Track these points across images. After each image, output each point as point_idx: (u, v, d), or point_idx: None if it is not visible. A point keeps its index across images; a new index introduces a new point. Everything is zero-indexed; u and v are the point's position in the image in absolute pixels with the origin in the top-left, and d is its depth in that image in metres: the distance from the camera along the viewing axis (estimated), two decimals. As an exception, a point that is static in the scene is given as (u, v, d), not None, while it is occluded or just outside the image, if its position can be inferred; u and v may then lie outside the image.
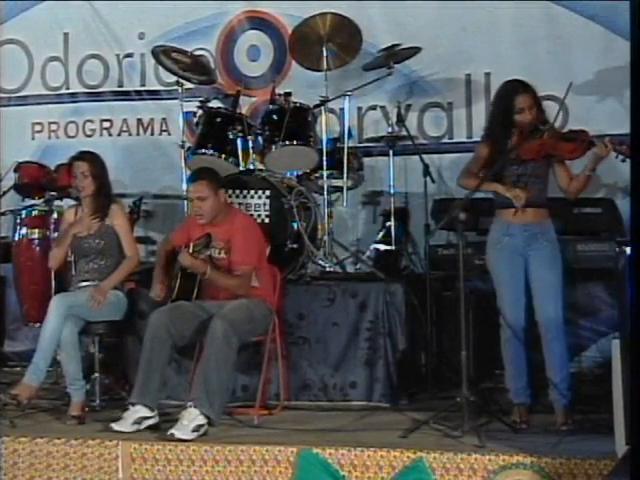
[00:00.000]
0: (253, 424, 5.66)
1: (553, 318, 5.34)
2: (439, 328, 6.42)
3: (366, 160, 7.27)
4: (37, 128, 8.57)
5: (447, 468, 4.76)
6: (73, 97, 8.53)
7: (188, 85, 7.40)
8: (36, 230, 7.39)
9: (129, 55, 8.39)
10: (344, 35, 6.94)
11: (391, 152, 7.08)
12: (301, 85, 7.39)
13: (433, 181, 6.90)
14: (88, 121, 8.45)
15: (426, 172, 6.81)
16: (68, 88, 8.55)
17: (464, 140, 7.44)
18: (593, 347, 6.46)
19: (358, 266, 7.01)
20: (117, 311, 6.10)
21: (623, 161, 5.11)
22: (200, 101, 6.98)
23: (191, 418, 5.32)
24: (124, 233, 6.20)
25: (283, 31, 7.90)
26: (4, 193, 7.36)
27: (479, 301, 6.14)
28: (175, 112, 7.47)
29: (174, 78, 7.36)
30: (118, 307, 6.10)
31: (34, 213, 7.42)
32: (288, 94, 6.84)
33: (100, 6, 8.36)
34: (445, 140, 7.59)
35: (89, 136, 8.43)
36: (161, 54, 7.29)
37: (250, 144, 6.83)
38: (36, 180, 7.40)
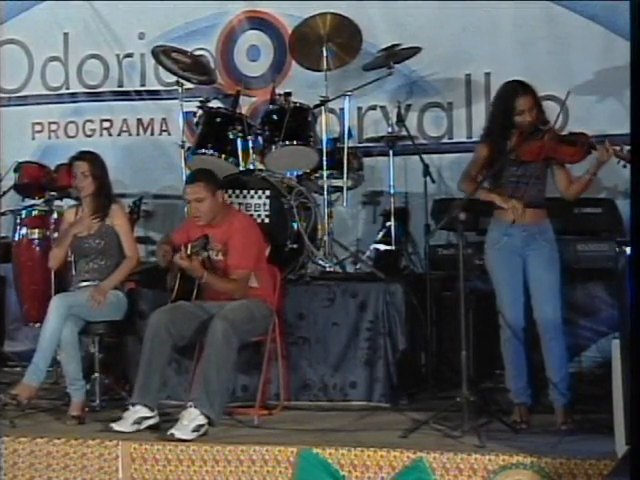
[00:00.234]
0: (253, 424, 5.66)
1: (551, 318, 5.34)
2: (439, 328, 6.42)
3: (366, 160, 7.27)
4: (37, 128, 8.57)
5: (447, 468, 4.76)
6: (73, 97, 8.53)
7: (188, 85, 7.40)
8: (36, 230, 7.40)
9: (129, 55, 8.39)
10: (344, 35, 6.94)
11: (391, 152, 7.08)
12: (301, 85, 7.39)
13: (433, 181, 6.91)
14: (88, 121, 8.45)
15: (426, 172, 6.81)
16: (68, 88, 8.55)
17: (464, 140, 7.44)
18: (593, 347, 6.46)
19: (358, 266, 7.01)
20: (117, 311, 6.10)
21: (624, 167, 5.11)
22: (200, 101, 6.98)
23: (191, 418, 5.32)
24: (124, 233, 6.20)
25: (283, 31, 7.90)
26: (4, 193, 7.36)
27: (479, 301, 6.14)
28: (175, 112, 7.47)
29: (174, 78, 7.36)
30: (118, 307, 6.11)
31: (34, 213, 7.43)
32: (288, 94, 6.84)
33: (100, 6, 8.36)
34: (445, 140, 7.59)
35: (89, 136, 8.43)
36: (161, 54, 7.29)
37: (250, 144, 6.83)
38: (36, 180, 7.40)
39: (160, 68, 7.79)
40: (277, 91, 7.00)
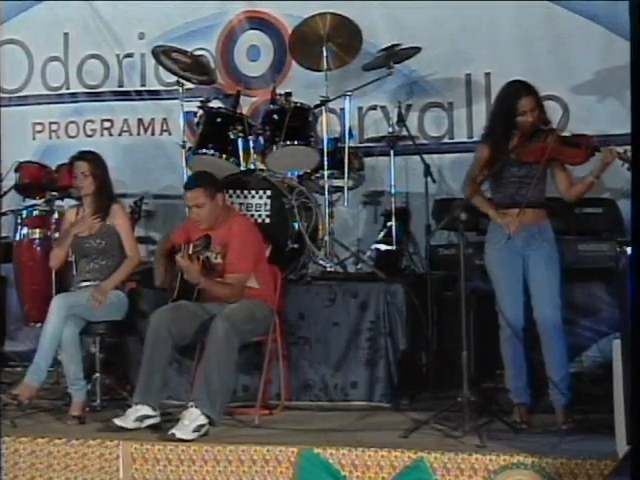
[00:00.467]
0: (254, 424, 5.66)
1: (551, 318, 5.34)
2: (440, 328, 6.41)
3: (367, 160, 7.27)
4: (38, 128, 8.57)
5: (448, 468, 4.76)
6: (73, 97, 8.53)
7: (188, 85, 7.40)
8: (37, 230, 7.41)
9: (129, 55, 8.39)
10: (344, 35, 6.94)
11: (392, 152, 7.07)
12: (301, 85, 7.39)
13: (434, 181, 6.90)
14: (89, 121, 8.45)
15: (427, 172, 6.81)
16: (68, 88, 8.55)
17: (465, 140, 7.44)
18: (594, 347, 6.47)
19: (359, 266, 7.01)
20: (118, 311, 6.11)
21: (628, 169, 5.11)
22: (201, 101, 6.98)
23: (192, 418, 5.32)
24: (125, 233, 6.20)
25: (283, 31, 7.89)
26: (5, 193, 7.35)
27: (480, 301, 6.14)
28: (176, 112, 7.46)
29: (174, 78, 7.36)
30: (119, 307, 6.11)
31: (35, 213, 7.44)
32: (288, 94, 6.84)
33: (100, 6, 8.36)
34: (446, 140, 7.58)
35: (90, 136, 8.43)
36: (161, 54, 7.29)
37: (251, 144, 6.83)
38: (37, 180, 7.41)
39: (160, 68, 7.79)
40: (277, 91, 7.00)
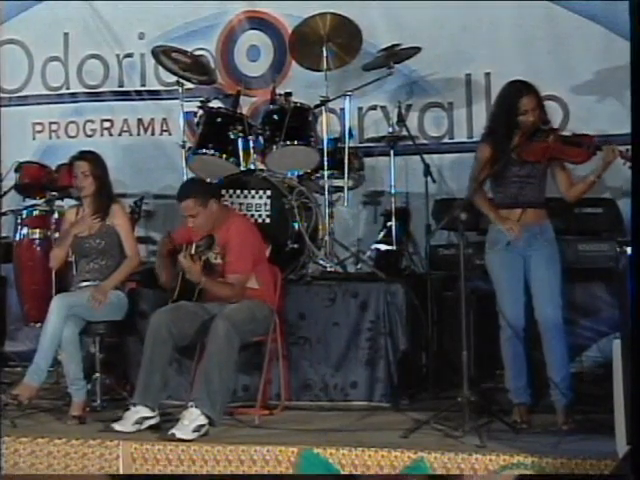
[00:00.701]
0: (254, 424, 5.66)
1: (552, 318, 5.35)
2: (440, 328, 6.41)
3: (367, 160, 7.26)
4: (38, 128, 8.56)
5: (448, 468, 4.77)
6: (73, 97, 8.52)
7: (188, 85, 7.40)
8: (37, 230, 7.41)
9: (129, 55, 8.38)
10: (344, 35, 6.94)
11: (392, 152, 7.07)
12: (301, 85, 7.38)
13: (434, 181, 6.90)
14: (89, 121, 8.44)
15: (427, 172, 6.80)
16: (68, 88, 8.54)
17: (465, 140, 7.43)
18: (594, 347, 6.47)
19: (359, 266, 7.00)
20: (118, 311, 6.10)
21: (630, 168, 5.11)
22: (200, 101, 6.98)
23: (192, 418, 5.32)
24: (125, 233, 6.20)
25: (283, 31, 7.89)
26: (5, 193, 7.35)
27: (480, 301, 6.14)
28: (176, 112, 7.46)
29: (174, 78, 7.36)
30: (119, 307, 6.11)
31: (35, 213, 7.44)
32: (288, 94, 6.84)
33: (100, 6, 8.35)
34: (446, 140, 7.57)
35: (90, 136, 8.42)
36: (161, 54, 7.29)
37: (251, 144, 6.83)
38: (37, 180, 7.41)
39: (160, 68, 7.79)
40: (277, 91, 6.99)
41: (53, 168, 7.45)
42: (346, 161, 6.82)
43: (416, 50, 6.98)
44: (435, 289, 6.45)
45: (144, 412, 5.52)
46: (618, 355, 4.61)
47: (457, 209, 5.28)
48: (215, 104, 7.09)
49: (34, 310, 7.19)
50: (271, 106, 6.90)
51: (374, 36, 7.34)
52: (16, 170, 7.44)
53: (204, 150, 6.77)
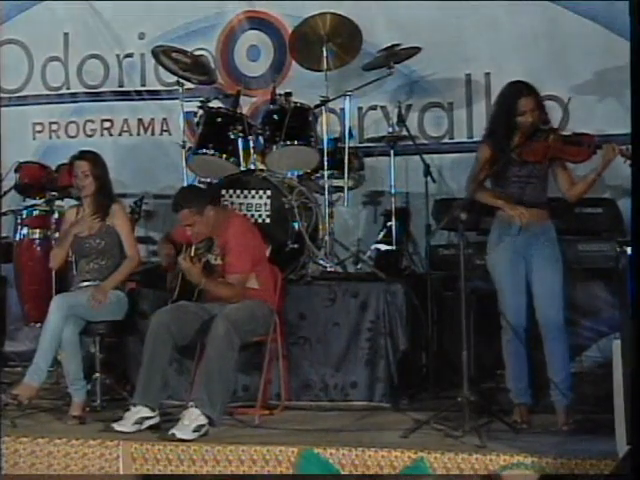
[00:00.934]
0: (254, 424, 5.66)
1: (554, 318, 5.35)
2: (440, 328, 6.41)
3: (367, 160, 7.27)
4: (38, 128, 8.56)
5: (448, 468, 4.76)
6: (73, 97, 8.52)
7: (188, 85, 7.40)
8: (37, 230, 7.42)
9: (129, 55, 8.39)
10: (344, 35, 6.94)
11: (392, 152, 7.07)
12: (301, 85, 7.38)
13: (434, 181, 6.90)
14: (89, 121, 8.45)
15: (427, 172, 6.80)
16: (68, 88, 8.54)
17: (465, 140, 7.43)
18: (594, 347, 6.47)
19: (359, 266, 7.00)
20: (118, 311, 6.10)
21: (631, 166, 5.10)
22: (201, 101, 6.98)
23: (192, 418, 5.32)
24: (125, 233, 6.20)
25: (283, 31, 7.89)
26: (5, 193, 7.35)
27: (480, 301, 6.14)
28: (176, 112, 7.47)
29: (174, 78, 7.37)
30: (119, 307, 6.11)
31: (35, 213, 7.45)
32: (289, 94, 6.84)
33: (100, 6, 8.35)
34: (446, 140, 7.58)
35: (90, 136, 8.43)
36: (161, 54, 7.29)
37: (251, 144, 6.83)
38: (37, 180, 7.42)
39: (160, 68, 7.79)
40: (277, 91, 6.99)
41: (53, 168, 7.46)
42: (346, 161, 6.82)
43: (416, 50, 6.98)
44: (435, 289, 6.45)
45: (144, 412, 5.52)
46: (618, 355, 4.60)
47: (457, 209, 5.28)
48: (215, 104, 7.09)
49: (34, 310, 7.20)
50: (271, 106, 6.90)
51: (374, 36, 7.34)
52: (16, 170, 7.45)
53: (204, 150, 6.77)
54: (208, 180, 6.97)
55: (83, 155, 6.27)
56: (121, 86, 8.43)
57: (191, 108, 7.13)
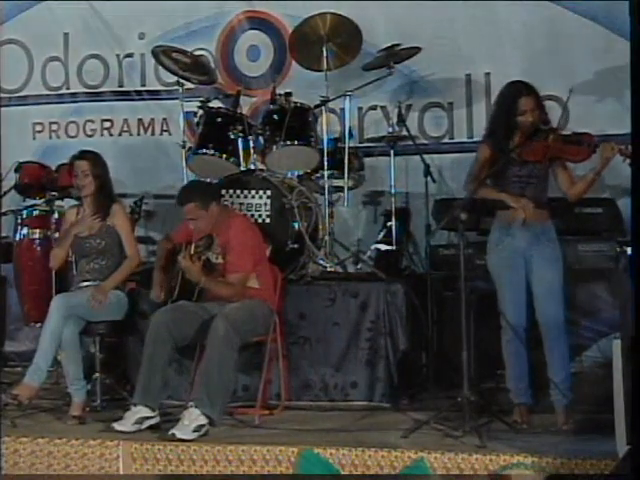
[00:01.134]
0: (254, 424, 5.66)
1: (554, 318, 5.34)
2: (440, 328, 6.42)
3: (367, 160, 7.27)
4: (38, 128, 8.56)
5: (448, 468, 4.76)
6: (73, 97, 8.52)
7: (188, 85, 7.41)
8: (37, 230, 7.42)
9: (129, 55, 8.39)
10: (344, 35, 6.95)
11: (392, 152, 7.07)
12: (301, 85, 7.38)
13: (434, 181, 6.90)
14: (89, 121, 8.45)
15: (427, 172, 6.80)
16: (68, 88, 8.55)
17: (465, 140, 7.44)
18: (594, 347, 6.46)
19: (359, 266, 7.00)
20: (118, 311, 6.10)
21: (630, 165, 5.10)
22: (201, 101, 6.98)
23: (192, 418, 5.32)
24: (125, 233, 6.20)
25: (283, 31, 7.89)
26: (5, 193, 7.34)
27: (480, 301, 6.13)
28: (176, 112, 7.47)
29: (174, 78, 7.37)
30: (119, 307, 6.11)
31: (35, 213, 7.45)
32: (289, 94, 6.84)
33: (100, 6, 8.35)
34: (446, 140, 7.58)
35: (90, 136, 8.43)
36: (161, 54, 7.30)
37: (251, 144, 6.84)
38: (37, 180, 7.42)
39: (160, 68, 7.79)
40: (277, 91, 6.99)
41: (53, 168, 7.45)
42: (346, 161, 6.83)
43: (416, 50, 6.98)
44: (435, 289, 6.46)
45: (144, 412, 5.52)
46: (618, 355, 4.60)
47: (457, 209, 5.28)
48: (215, 104, 7.10)
49: (34, 310, 7.20)
50: (271, 106, 6.90)
51: (374, 36, 7.33)
52: (16, 170, 7.44)
53: (204, 150, 6.77)
54: (208, 180, 6.97)
55: (83, 155, 6.27)
56: (121, 86, 8.43)
57: (191, 108, 7.13)
